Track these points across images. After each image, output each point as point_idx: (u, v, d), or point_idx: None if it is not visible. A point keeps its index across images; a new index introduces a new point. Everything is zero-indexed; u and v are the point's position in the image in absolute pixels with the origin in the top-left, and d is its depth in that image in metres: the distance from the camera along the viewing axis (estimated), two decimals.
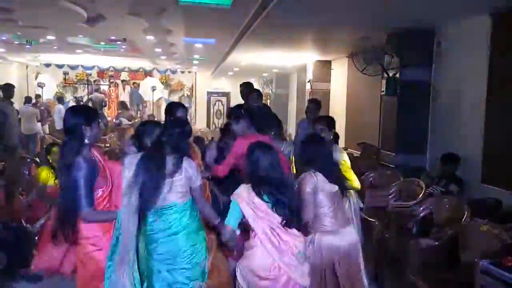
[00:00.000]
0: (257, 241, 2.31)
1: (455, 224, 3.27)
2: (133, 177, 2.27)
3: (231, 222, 2.34)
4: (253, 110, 3.69)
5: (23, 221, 3.86)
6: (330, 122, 3.53)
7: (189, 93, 15.86)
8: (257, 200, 2.30)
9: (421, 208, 3.72)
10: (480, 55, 4.32)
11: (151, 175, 2.26)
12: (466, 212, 3.35)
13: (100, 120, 2.53)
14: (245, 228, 2.42)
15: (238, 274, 2.38)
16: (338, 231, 2.61)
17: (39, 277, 3.60)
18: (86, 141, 2.32)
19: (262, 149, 2.40)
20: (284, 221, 2.30)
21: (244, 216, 2.31)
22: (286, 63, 10.22)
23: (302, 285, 2.35)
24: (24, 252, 3.71)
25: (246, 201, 2.30)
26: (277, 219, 2.31)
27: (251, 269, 2.32)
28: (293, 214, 2.33)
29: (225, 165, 3.19)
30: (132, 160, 2.35)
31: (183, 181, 2.34)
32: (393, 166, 5.31)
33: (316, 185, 2.58)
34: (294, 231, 2.35)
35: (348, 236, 2.65)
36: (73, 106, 2.62)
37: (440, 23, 5.03)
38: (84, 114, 2.38)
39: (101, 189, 2.35)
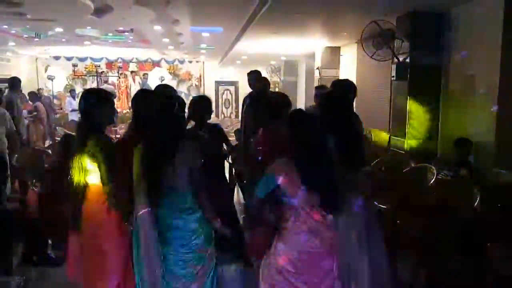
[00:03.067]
0: (294, 218, 2.13)
1: (467, 209, 3.25)
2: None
3: (260, 192, 2.15)
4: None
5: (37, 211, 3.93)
6: None
7: (197, 83, 15.86)
8: (292, 173, 2.09)
9: (433, 193, 3.70)
10: (493, 38, 4.23)
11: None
12: (478, 197, 3.33)
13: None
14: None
15: (267, 273, 2.21)
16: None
17: (58, 262, 3.71)
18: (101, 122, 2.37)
19: (308, 118, 2.22)
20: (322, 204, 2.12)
21: (279, 192, 2.10)
22: (294, 51, 10.14)
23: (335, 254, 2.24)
24: (40, 241, 3.80)
25: (282, 172, 2.10)
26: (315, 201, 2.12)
27: (290, 252, 2.15)
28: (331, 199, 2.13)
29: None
30: None
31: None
32: (403, 151, 5.28)
33: None
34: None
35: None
36: (87, 89, 2.68)
37: (452, 6, 4.93)
38: (97, 96, 2.41)
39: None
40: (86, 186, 2.38)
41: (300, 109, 2.41)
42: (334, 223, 2.20)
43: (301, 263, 2.16)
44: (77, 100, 12.81)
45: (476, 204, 3.31)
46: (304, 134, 2.15)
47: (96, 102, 2.37)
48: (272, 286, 2.19)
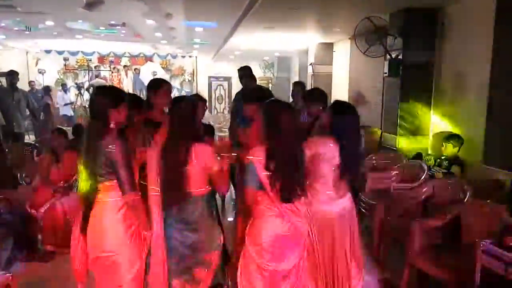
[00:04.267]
0: (268, 203, 2.25)
1: (457, 205, 3.28)
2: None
3: (251, 183, 2.25)
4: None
5: (27, 207, 3.90)
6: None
7: (190, 78, 15.77)
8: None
9: (423, 190, 3.72)
10: (484, 36, 4.25)
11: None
12: (468, 193, 3.36)
13: None
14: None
15: (249, 253, 2.31)
16: (333, 203, 2.59)
17: (49, 256, 3.69)
18: (112, 125, 2.23)
19: (282, 106, 2.32)
20: (284, 196, 2.24)
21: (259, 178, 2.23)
22: (287, 46, 10.12)
23: (304, 232, 2.36)
24: (29, 236, 3.77)
25: (258, 158, 2.22)
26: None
27: (265, 232, 2.26)
28: (293, 188, 2.25)
29: None
30: None
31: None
32: (395, 148, 5.31)
33: (322, 153, 2.53)
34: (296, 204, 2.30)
35: (342, 205, 2.62)
36: (99, 87, 2.48)
37: (444, 3, 4.95)
38: (111, 95, 2.27)
39: None
40: (96, 191, 2.25)
41: (274, 99, 2.47)
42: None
43: (272, 248, 2.25)
44: (69, 94, 12.76)
45: (466, 199, 3.34)
46: (276, 122, 2.24)
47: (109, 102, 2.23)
48: (247, 275, 2.29)
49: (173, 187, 2.29)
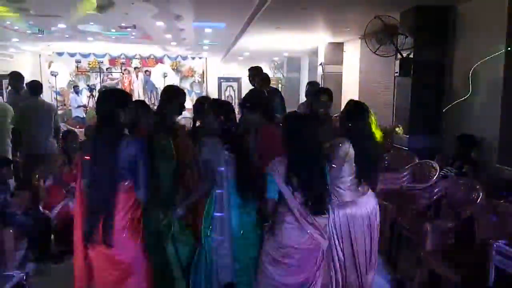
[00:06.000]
0: (289, 215, 2.29)
1: (470, 205, 3.24)
2: None
3: (272, 194, 2.30)
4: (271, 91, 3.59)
5: (40, 207, 3.95)
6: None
7: (200, 79, 15.84)
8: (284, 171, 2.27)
9: (435, 190, 3.68)
10: (497, 34, 4.19)
11: None
12: (481, 193, 3.31)
13: None
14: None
15: (266, 252, 2.37)
16: (355, 201, 2.62)
17: (60, 258, 3.73)
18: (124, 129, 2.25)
19: (303, 120, 2.35)
20: (309, 208, 2.29)
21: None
22: (297, 47, 10.10)
23: (323, 248, 2.40)
24: (42, 237, 3.81)
25: (280, 173, 2.26)
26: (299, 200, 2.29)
27: (283, 244, 2.30)
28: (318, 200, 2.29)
29: None
30: None
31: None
32: (406, 148, 5.25)
33: (347, 154, 2.55)
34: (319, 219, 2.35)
35: (366, 205, 2.65)
36: (105, 90, 2.51)
37: (456, 1, 4.89)
38: (117, 98, 2.28)
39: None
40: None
41: (294, 111, 2.54)
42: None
43: (289, 257, 2.30)
44: (81, 96, 12.89)
45: (479, 200, 3.29)
46: (296, 135, 2.28)
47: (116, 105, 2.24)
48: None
49: None
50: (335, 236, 2.62)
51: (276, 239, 2.33)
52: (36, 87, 5.14)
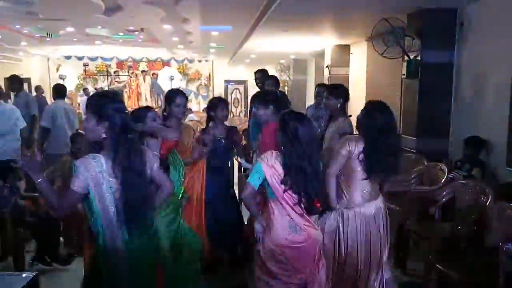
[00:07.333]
0: (276, 206, 2.30)
1: (479, 209, 3.21)
2: None
3: (253, 180, 2.30)
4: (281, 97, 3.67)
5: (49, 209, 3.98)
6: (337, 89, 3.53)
7: (206, 82, 15.90)
8: (278, 167, 2.28)
9: (444, 192, 3.65)
10: (505, 36, 4.16)
11: None
12: (490, 196, 3.28)
13: None
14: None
15: (262, 250, 2.36)
16: (364, 205, 2.62)
17: (68, 260, 3.75)
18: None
19: (299, 119, 2.35)
20: (303, 207, 2.29)
21: (265, 181, 2.29)
22: (303, 49, 10.10)
23: (319, 241, 2.40)
24: (51, 239, 3.84)
25: (269, 164, 2.28)
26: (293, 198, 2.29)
27: (275, 237, 2.30)
28: (312, 201, 2.29)
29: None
30: None
31: None
32: (414, 150, 5.22)
33: (355, 151, 2.55)
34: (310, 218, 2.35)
35: (376, 205, 2.66)
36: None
37: (463, 3, 4.86)
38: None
39: None
40: None
41: (290, 110, 2.57)
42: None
43: (283, 255, 2.29)
44: None
45: (488, 203, 3.26)
46: (292, 132, 2.27)
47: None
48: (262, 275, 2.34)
49: None
50: (342, 235, 2.62)
51: (269, 234, 2.33)
52: (61, 90, 5.63)
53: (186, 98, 3.30)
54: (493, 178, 4.09)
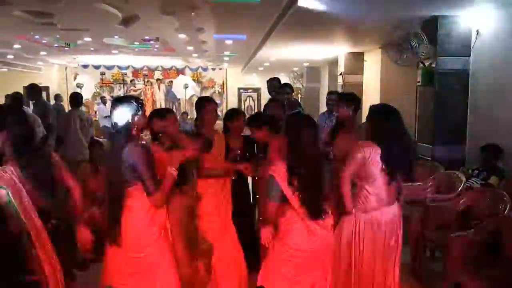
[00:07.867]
0: (294, 216, 2.29)
1: (497, 217, 3.16)
2: None
3: (273, 197, 2.29)
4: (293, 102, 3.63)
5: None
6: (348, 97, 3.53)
7: (220, 90, 16.03)
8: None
9: (461, 201, 3.61)
10: None
11: None
12: (508, 205, 3.22)
13: None
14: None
15: (277, 254, 2.36)
16: (381, 209, 2.60)
17: (87, 264, 3.80)
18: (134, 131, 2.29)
19: (304, 121, 2.34)
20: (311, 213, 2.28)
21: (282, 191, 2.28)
22: (316, 56, 10.11)
23: (332, 245, 2.41)
24: (68, 244, 3.90)
25: (282, 176, 2.26)
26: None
27: (292, 244, 2.30)
28: (320, 205, 2.28)
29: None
30: None
31: None
32: (430, 158, 5.17)
33: (369, 156, 2.54)
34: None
35: (392, 210, 2.64)
36: (117, 97, 2.58)
37: (478, 10, 4.83)
38: (130, 104, 2.32)
39: None
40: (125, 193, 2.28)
41: (295, 113, 2.51)
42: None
43: (295, 258, 2.29)
44: (108, 106, 13.23)
45: (506, 211, 3.21)
46: (297, 137, 2.26)
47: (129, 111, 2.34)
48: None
49: None
50: (358, 240, 2.61)
51: (283, 239, 2.33)
52: (77, 98, 6.01)
53: (216, 105, 3.32)
54: (510, 186, 4.02)
